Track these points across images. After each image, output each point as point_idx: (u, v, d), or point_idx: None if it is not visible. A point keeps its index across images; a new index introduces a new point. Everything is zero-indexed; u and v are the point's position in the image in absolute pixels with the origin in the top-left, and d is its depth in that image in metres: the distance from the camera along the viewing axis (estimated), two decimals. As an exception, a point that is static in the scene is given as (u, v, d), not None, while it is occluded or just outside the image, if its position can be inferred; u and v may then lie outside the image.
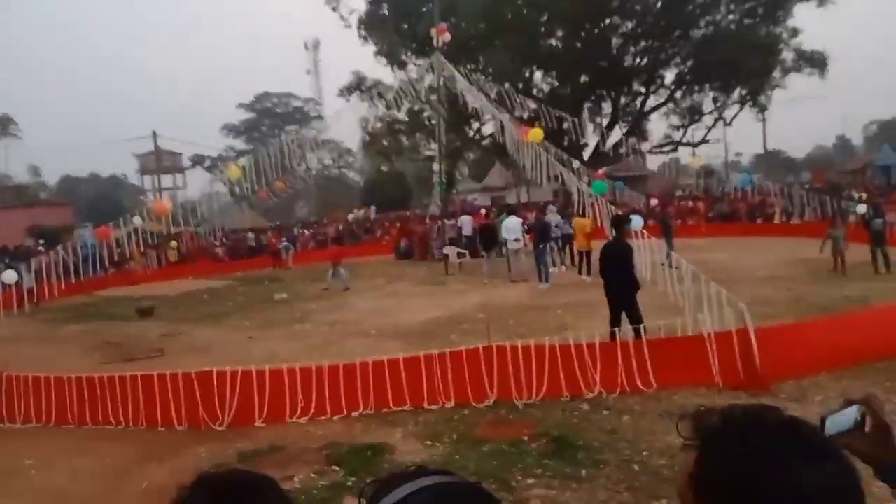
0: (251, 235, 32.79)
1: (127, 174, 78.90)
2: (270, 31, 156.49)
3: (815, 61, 33.58)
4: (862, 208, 19.03)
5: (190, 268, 25.37)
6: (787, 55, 33.94)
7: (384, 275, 20.16)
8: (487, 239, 18.17)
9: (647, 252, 9.19)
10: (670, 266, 9.35)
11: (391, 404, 7.03)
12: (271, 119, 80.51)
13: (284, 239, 29.53)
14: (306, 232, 35.59)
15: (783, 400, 6.50)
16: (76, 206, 55.23)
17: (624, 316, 8.25)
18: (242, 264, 26.46)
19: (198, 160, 73.53)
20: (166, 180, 62.84)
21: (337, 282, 17.35)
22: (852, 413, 1.06)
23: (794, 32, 33.99)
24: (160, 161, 52.69)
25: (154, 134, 47.06)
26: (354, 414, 6.99)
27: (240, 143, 78.47)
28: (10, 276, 16.99)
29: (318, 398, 7.02)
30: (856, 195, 25.56)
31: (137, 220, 16.50)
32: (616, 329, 8.08)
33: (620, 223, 9.06)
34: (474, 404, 6.95)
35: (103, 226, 17.98)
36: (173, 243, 22.43)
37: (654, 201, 29.12)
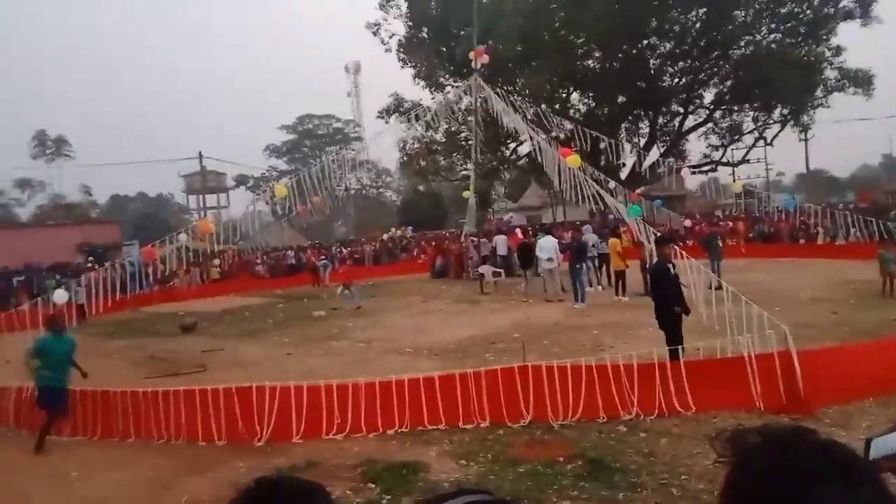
0: (291, 253, 33.36)
1: (173, 193, 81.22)
2: (313, 55, 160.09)
3: (860, 80, 32.85)
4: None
5: (231, 285, 25.94)
6: (830, 74, 33.31)
7: (420, 293, 20.28)
8: (525, 258, 18.20)
9: (688, 273, 9.06)
10: (718, 287, 9.20)
11: (426, 423, 7.06)
12: (312, 140, 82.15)
13: (323, 257, 29.97)
14: (344, 250, 36.02)
15: (827, 425, 6.34)
16: (124, 223, 56.99)
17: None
18: (282, 282, 26.93)
19: (241, 180, 75.34)
20: (211, 199, 64.52)
21: (347, 301, 17.61)
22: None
23: (838, 51, 33.35)
24: (205, 181, 54.14)
25: (200, 154, 48.49)
26: (390, 431, 7.04)
27: (282, 164, 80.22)
28: (60, 295, 17.54)
29: (353, 415, 7.10)
30: (904, 216, 24.79)
31: (182, 238, 16.93)
32: (679, 347, 7.90)
33: (660, 244, 8.99)
34: (509, 424, 6.94)
35: (149, 245, 18.53)
36: (216, 261, 22.96)
37: (687, 222, 28.66)
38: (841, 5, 32.66)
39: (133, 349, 14.18)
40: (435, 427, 7.03)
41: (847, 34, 33.86)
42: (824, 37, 33.60)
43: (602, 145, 24.36)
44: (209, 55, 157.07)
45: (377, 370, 9.15)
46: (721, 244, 18.79)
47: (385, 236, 40.70)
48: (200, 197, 60.76)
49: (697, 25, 33.79)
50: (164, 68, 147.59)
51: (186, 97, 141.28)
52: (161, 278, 23.36)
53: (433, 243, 32.44)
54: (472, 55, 23.59)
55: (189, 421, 7.28)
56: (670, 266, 8.42)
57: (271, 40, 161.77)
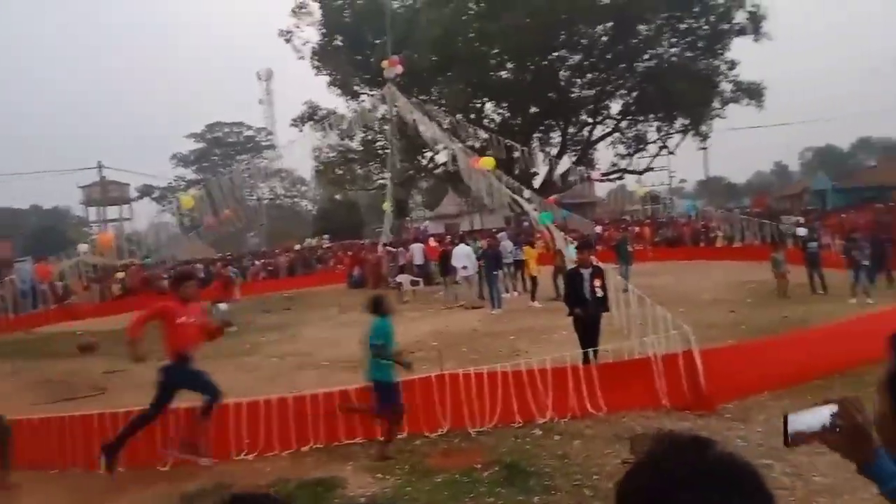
0: (200, 266, 32.05)
1: (70, 206, 76.50)
2: (222, 62, 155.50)
3: (753, 92, 35.24)
4: (803, 231, 19.83)
5: (135, 301, 24.55)
6: (726, 86, 35.55)
7: (337, 304, 19.94)
8: (445, 266, 18.32)
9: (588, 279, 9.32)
10: (625, 290, 9.53)
11: (342, 437, 6.90)
12: (222, 148, 79.54)
13: (235, 269, 28.96)
14: (257, 262, 34.97)
15: (728, 420, 6.66)
16: (16, 238, 53.16)
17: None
18: (191, 296, 25.87)
19: (146, 191, 71.93)
20: (112, 212, 61.20)
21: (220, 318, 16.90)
22: (825, 413, 1.12)
23: (733, 65, 35.69)
24: (106, 192, 51.34)
25: (99, 164, 45.94)
26: (304, 448, 6.83)
27: (190, 173, 77.19)
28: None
29: (266, 433, 6.85)
30: (793, 219, 26.67)
31: (83, 248, 15.97)
32: (590, 350, 8.09)
33: (581, 249, 9.23)
34: (427, 434, 6.89)
35: (43, 262, 17.38)
36: (119, 275, 21.72)
37: (598, 228, 29.74)
38: (735, 22, 34.95)
39: (25, 372, 13.14)
40: (352, 441, 6.88)
41: (741, 49, 36.25)
42: (720, 51, 35.86)
43: (516, 154, 24.88)
44: (109, 59, 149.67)
45: (292, 385, 8.89)
46: (630, 249, 19.55)
47: (297, 246, 39.86)
48: (101, 209, 57.59)
49: (604, 39, 35.23)
50: (61, 72, 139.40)
51: (85, 104, 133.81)
52: (59, 295, 21.93)
53: (350, 253, 32.04)
54: (385, 64, 23.57)
55: (86, 448, 6.79)
56: (585, 270, 8.60)
57: (178, 47, 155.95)
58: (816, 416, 1.12)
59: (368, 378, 6.58)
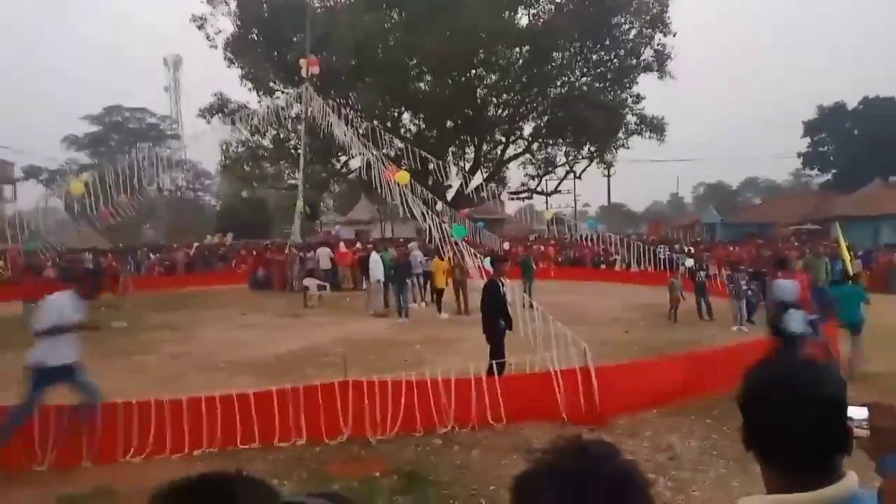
0: (89, 256, 30.08)
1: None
2: (129, 45, 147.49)
3: (655, 126, 37.38)
4: (690, 262, 21.16)
5: (14, 289, 22.71)
6: (631, 119, 37.51)
7: (238, 305, 19.31)
8: (366, 270, 18.19)
9: (509, 292, 9.57)
10: (529, 306, 9.81)
11: (238, 442, 6.70)
12: (121, 134, 75.10)
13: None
14: (152, 256, 33.25)
15: (618, 435, 7.00)
16: None
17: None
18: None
19: (32, 172, 66.71)
20: (-8, 191, 56.45)
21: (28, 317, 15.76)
22: (858, 413, 1.24)
23: (638, 98, 37.74)
24: (-15, 170, 47.30)
25: (-20, 139, 42.26)
26: (197, 452, 6.58)
27: (83, 157, 72.41)
28: None
29: (157, 435, 6.54)
30: (685, 249, 28.39)
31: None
32: (498, 361, 8.22)
33: (498, 262, 9.42)
34: (327, 441, 6.80)
35: None
36: (-2, 262, 20.03)
37: (506, 244, 30.47)
38: (642, 58, 37.00)
39: None
40: (248, 446, 6.68)
41: (646, 85, 38.50)
42: (627, 84, 37.81)
43: (430, 166, 25.11)
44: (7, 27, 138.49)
45: (187, 387, 8.53)
46: (534, 266, 20.16)
47: (196, 244, 38.20)
48: (-20, 188, 53.03)
49: (520, 62, 36.29)
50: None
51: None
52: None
53: (255, 252, 31.09)
54: (303, 62, 23.20)
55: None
56: (501, 283, 8.84)
57: (86, 26, 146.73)
58: (858, 412, 1.29)
59: None
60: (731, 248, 28.82)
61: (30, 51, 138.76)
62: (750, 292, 14.73)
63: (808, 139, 57.66)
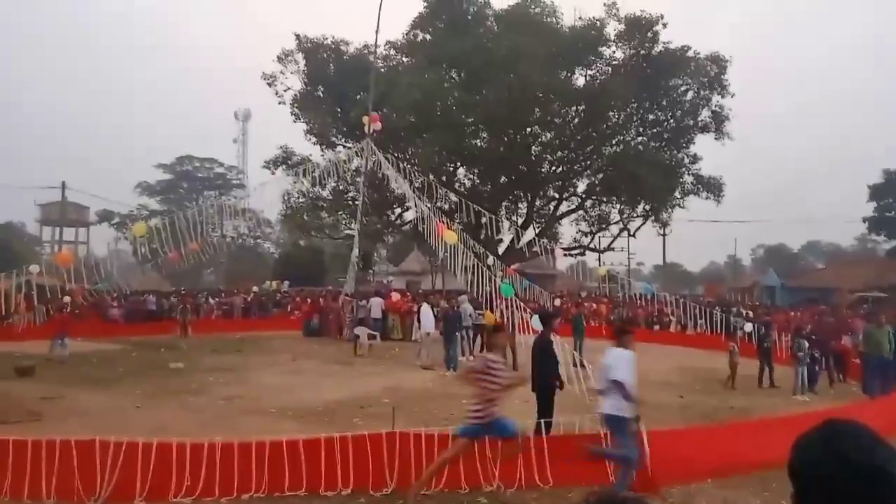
0: (152, 298, 31.26)
1: (25, 222, 74.15)
2: (203, 98, 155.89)
3: (712, 187, 36.87)
4: (749, 326, 20.45)
5: (80, 327, 23.73)
6: (688, 178, 37.13)
7: (290, 351, 19.64)
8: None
9: (560, 350, 9.49)
10: (581, 365, 9.70)
11: (286, 488, 6.75)
12: (190, 182, 78.70)
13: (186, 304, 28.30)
14: (212, 300, 34.26)
15: (670, 504, 6.75)
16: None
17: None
18: (139, 328, 25.05)
19: (105, 216, 70.29)
20: (68, 233, 59.57)
21: (58, 352, 16.98)
22: None
23: (695, 159, 37.39)
24: (65, 213, 50.15)
25: (63, 184, 45.04)
26: (245, 496, 6.66)
27: (154, 203, 75.94)
28: None
29: (207, 477, 6.66)
30: (744, 312, 27.50)
31: (34, 268, 15.48)
32: (546, 420, 8.12)
33: (549, 318, 9.39)
34: (372, 492, 6.79)
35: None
36: (66, 299, 20.98)
37: (557, 301, 30.20)
38: (699, 119, 36.83)
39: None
40: (294, 493, 6.73)
41: (703, 145, 38.22)
42: (684, 144, 37.60)
43: (483, 220, 25.35)
44: (91, 81, 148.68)
45: (236, 430, 8.69)
46: (584, 324, 19.84)
47: (255, 289, 39.20)
48: (57, 229, 56.09)
49: (576, 121, 36.63)
50: (38, 86, 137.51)
51: (54, 122, 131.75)
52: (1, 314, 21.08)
53: (309, 300, 31.69)
54: (365, 119, 24.08)
55: (16, 475, 6.49)
56: (551, 340, 8.80)
57: (160, 79, 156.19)
58: None
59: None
60: (793, 314, 27.77)
61: (108, 98, 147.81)
62: (811, 360, 14.12)
63: (874, 203, 55.72)
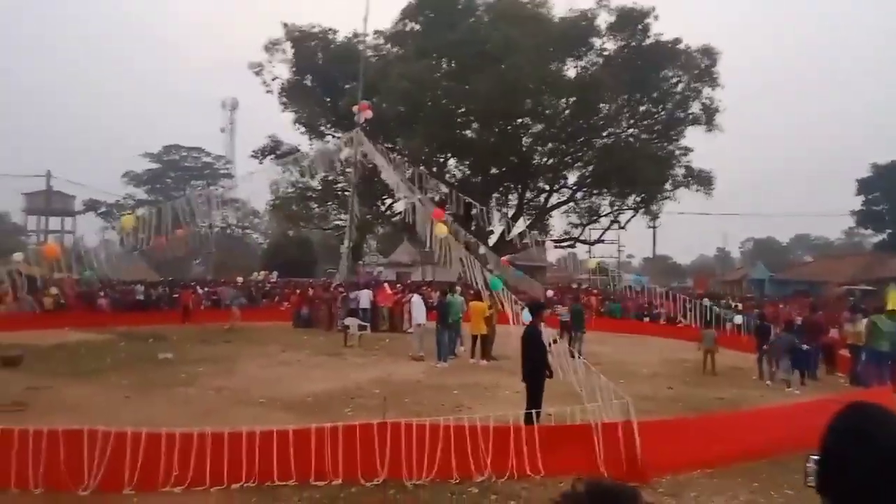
0: (140, 288, 31.02)
1: (10, 212, 73.31)
2: (188, 88, 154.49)
3: (703, 179, 37.01)
4: (739, 318, 20.55)
5: (67, 317, 23.54)
6: (678, 171, 37.24)
7: (279, 342, 19.56)
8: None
9: (548, 340, 9.47)
10: (571, 356, 9.69)
11: (276, 478, 6.72)
12: (178, 172, 78.14)
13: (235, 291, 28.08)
14: (200, 291, 34.01)
15: (661, 494, 6.78)
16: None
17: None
18: (127, 318, 24.84)
19: (92, 205, 69.66)
20: (54, 223, 58.95)
21: None
22: None
23: (686, 151, 37.49)
24: (50, 202, 49.59)
25: (48, 173, 44.53)
26: (235, 486, 6.62)
27: (141, 193, 75.35)
28: None
29: (196, 467, 6.62)
30: (733, 304, 27.67)
31: (18, 256, 15.29)
32: (534, 412, 8.12)
33: (537, 309, 9.37)
34: (363, 482, 6.77)
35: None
36: (53, 290, 20.76)
37: (549, 292, 30.21)
38: (690, 111, 36.93)
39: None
40: (284, 483, 6.70)
41: (694, 138, 38.26)
42: (675, 137, 37.70)
43: (474, 211, 25.31)
44: (71, 66, 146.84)
45: (226, 421, 8.63)
46: (584, 314, 19.70)
47: (240, 279, 38.94)
48: (42, 219, 55.49)
49: (567, 112, 36.61)
50: (20, 68, 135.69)
51: (37, 109, 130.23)
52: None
53: (298, 291, 31.55)
54: (355, 109, 23.92)
55: (1, 465, 6.42)
56: (540, 330, 8.79)
57: (147, 69, 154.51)
58: None
59: None
60: (781, 306, 27.97)
61: (97, 87, 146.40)
62: (800, 353, 14.18)
63: (861, 197, 56.17)
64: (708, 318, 18.46)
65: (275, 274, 45.95)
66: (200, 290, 33.05)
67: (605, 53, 36.11)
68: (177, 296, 29.73)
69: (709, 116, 36.52)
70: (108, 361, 15.48)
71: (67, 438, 6.50)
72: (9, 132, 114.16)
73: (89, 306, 26.79)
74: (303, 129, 39.57)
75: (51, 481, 6.34)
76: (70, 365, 14.78)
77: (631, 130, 38.59)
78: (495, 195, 40.29)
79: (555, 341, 9.07)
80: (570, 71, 36.53)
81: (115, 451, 6.49)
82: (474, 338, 16.40)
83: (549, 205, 41.25)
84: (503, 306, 14.11)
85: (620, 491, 1.03)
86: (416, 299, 17.95)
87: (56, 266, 16.87)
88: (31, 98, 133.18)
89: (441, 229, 17.39)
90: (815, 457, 1.37)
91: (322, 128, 39.25)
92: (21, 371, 13.66)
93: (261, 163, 38.16)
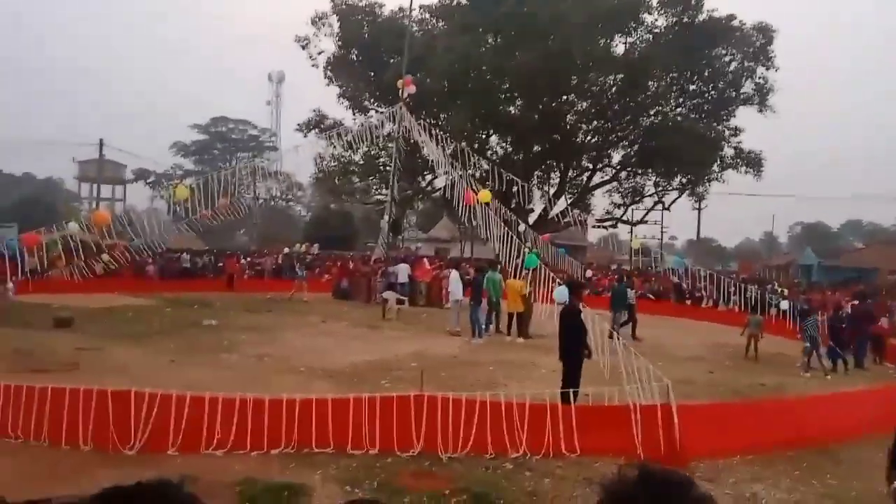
0: (186, 256, 31.84)
1: (64, 179, 75.90)
2: (237, 61, 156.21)
3: (752, 161, 35.82)
4: (785, 304, 20.02)
5: (116, 283, 24.30)
6: (727, 151, 36.11)
7: (320, 313, 19.87)
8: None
9: (590, 321, 9.40)
10: (610, 337, 9.59)
11: (314, 445, 6.86)
12: (224, 144, 79.57)
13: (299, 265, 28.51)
14: (243, 260, 34.74)
15: (698, 478, 6.67)
16: (3, 204, 52.67)
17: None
18: (173, 285, 25.54)
19: (141, 174, 71.56)
20: (106, 190, 60.80)
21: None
22: None
23: (736, 131, 36.30)
24: (102, 170, 51.05)
25: (101, 142, 45.77)
26: (274, 451, 6.78)
27: (188, 164, 77.02)
28: None
29: (238, 431, 6.79)
30: (779, 290, 26.94)
31: (73, 227, 15.80)
32: (573, 391, 8.07)
33: (577, 288, 9.27)
34: (398, 453, 6.86)
35: (33, 232, 17.22)
36: (105, 256, 21.42)
37: (589, 272, 29.89)
38: (742, 91, 35.68)
39: (-4, 339, 12.95)
40: (322, 450, 6.83)
41: (745, 118, 36.98)
42: (725, 117, 36.52)
43: (515, 188, 25.09)
44: (121, 41, 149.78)
45: (266, 387, 8.83)
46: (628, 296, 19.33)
47: (286, 250, 39.58)
48: (94, 186, 57.23)
49: (613, 90, 35.77)
50: (73, 45, 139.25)
51: (93, 79, 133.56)
52: (39, 267, 21.61)
53: (339, 263, 31.92)
54: (399, 83, 23.82)
55: (53, 421, 6.70)
56: (580, 309, 8.71)
57: (196, 39, 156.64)
58: None
59: None
60: (830, 293, 27.11)
61: (148, 62, 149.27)
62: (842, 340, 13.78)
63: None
64: (753, 303, 18.02)
65: (316, 246, 46.54)
66: (244, 260, 33.73)
67: (655, 30, 35.05)
68: (221, 264, 30.42)
69: (762, 97, 35.26)
70: (154, 326, 15.98)
71: (116, 399, 6.74)
72: (65, 101, 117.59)
73: (138, 272, 27.63)
74: (347, 104, 39.67)
75: (99, 439, 6.59)
76: (118, 328, 15.30)
77: (679, 109, 37.52)
78: (537, 173, 39.80)
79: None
80: (619, 47, 35.63)
81: (160, 413, 6.71)
82: (510, 315, 16.36)
83: (591, 184, 40.60)
84: (538, 284, 13.98)
85: (675, 479, 0.97)
86: (454, 275, 17.97)
87: (109, 233, 17.39)
88: (87, 72, 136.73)
89: (486, 196, 17.32)
90: None
91: (366, 102, 39.26)
92: (72, 332, 14.20)
93: (305, 136, 38.46)
